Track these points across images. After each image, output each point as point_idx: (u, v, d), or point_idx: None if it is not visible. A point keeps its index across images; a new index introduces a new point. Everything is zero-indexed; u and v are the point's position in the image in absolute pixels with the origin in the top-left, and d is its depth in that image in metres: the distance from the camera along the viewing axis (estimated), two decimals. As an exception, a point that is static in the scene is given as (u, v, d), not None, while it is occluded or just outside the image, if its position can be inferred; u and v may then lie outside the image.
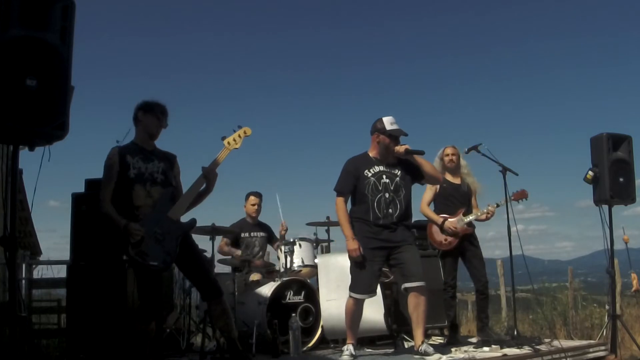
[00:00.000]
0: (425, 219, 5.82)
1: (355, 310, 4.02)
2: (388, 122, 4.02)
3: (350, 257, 3.98)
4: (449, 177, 4.80)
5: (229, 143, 3.64)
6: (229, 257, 5.28)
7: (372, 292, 3.99)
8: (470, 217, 4.71)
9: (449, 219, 4.68)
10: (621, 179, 5.04)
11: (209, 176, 3.59)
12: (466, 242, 4.72)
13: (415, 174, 4.11)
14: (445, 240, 4.71)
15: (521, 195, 4.74)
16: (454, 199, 4.76)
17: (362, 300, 4.00)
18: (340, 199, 4.05)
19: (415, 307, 4.01)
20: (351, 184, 4.04)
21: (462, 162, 4.86)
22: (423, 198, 4.79)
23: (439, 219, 4.69)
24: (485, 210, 4.73)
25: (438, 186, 4.72)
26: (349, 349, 4.01)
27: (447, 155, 4.80)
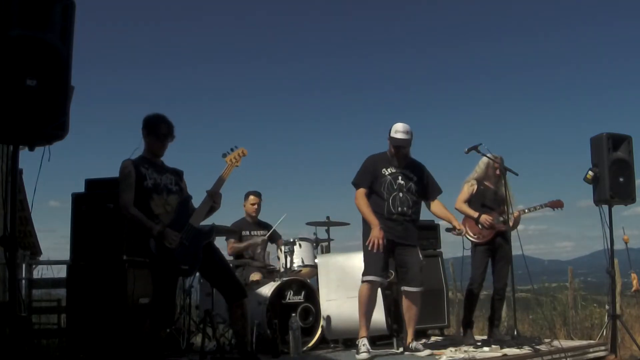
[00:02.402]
0: (429, 219, 5.79)
1: (369, 296, 4.02)
2: (394, 130, 4.21)
3: (368, 245, 4.03)
4: (487, 182, 4.86)
5: (231, 161, 3.71)
6: (241, 247, 5.31)
7: (384, 277, 4.09)
8: (505, 217, 4.71)
9: (484, 214, 4.72)
10: (621, 179, 5.04)
11: (215, 197, 3.64)
12: (500, 239, 4.73)
13: (426, 193, 4.31)
14: (480, 233, 4.73)
15: (557, 204, 4.83)
16: (491, 202, 4.80)
17: (377, 285, 4.04)
18: (361, 190, 4.18)
19: (409, 308, 4.20)
20: (369, 180, 4.19)
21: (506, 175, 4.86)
22: (460, 196, 4.87)
23: (475, 212, 4.75)
24: (511, 215, 4.70)
25: (476, 187, 4.84)
26: (365, 344, 3.97)
27: (498, 167, 4.77)
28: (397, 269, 4.25)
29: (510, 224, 4.69)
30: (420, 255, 4.22)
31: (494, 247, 4.74)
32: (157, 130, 3.60)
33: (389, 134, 4.23)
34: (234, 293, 3.59)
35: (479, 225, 4.73)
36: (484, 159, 4.81)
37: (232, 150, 3.75)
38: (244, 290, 3.67)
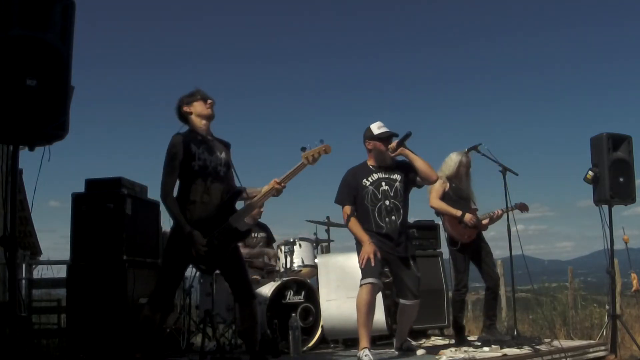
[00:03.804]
0: (429, 219, 5.75)
1: (369, 302, 3.77)
2: (375, 127, 4.04)
3: (359, 261, 3.90)
4: (456, 181, 4.78)
5: (307, 159, 3.43)
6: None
7: (380, 280, 3.88)
8: (481, 217, 4.70)
9: (468, 213, 4.63)
10: (621, 179, 5.05)
11: (280, 192, 3.52)
12: (478, 240, 4.71)
13: (413, 178, 4.07)
14: (465, 232, 4.64)
15: (522, 207, 4.82)
16: (463, 200, 4.75)
17: (376, 288, 3.83)
18: (347, 208, 4.00)
19: (402, 317, 4.14)
20: (351, 195, 4.02)
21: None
22: (434, 193, 4.72)
23: (457, 211, 4.62)
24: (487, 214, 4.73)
25: (447, 184, 4.73)
26: (367, 354, 3.68)
27: (469, 165, 4.79)
28: (393, 281, 4.14)
29: (486, 222, 4.69)
30: (415, 267, 4.01)
31: (476, 248, 4.70)
32: (194, 94, 3.50)
33: (370, 137, 4.05)
34: (242, 294, 3.55)
35: (462, 225, 4.63)
36: (453, 157, 4.76)
37: (315, 145, 3.44)
38: (253, 292, 3.61)
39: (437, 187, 4.71)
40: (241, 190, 3.60)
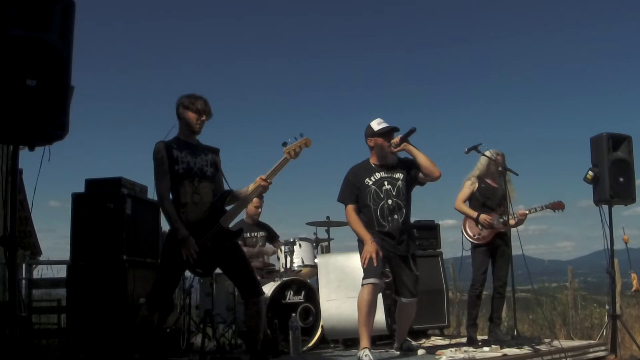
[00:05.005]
0: (429, 219, 5.76)
1: (370, 301, 3.76)
2: (375, 124, 4.05)
3: (362, 260, 3.89)
4: (489, 180, 4.79)
5: (289, 154, 3.47)
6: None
7: (382, 280, 3.88)
8: (505, 218, 4.68)
9: (484, 214, 4.66)
10: (621, 179, 5.04)
11: (267, 188, 3.55)
12: (500, 241, 4.69)
13: (415, 174, 4.05)
14: (479, 234, 4.68)
15: (558, 206, 4.79)
16: (491, 201, 4.74)
17: (378, 288, 3.82)
18: (350, 207, 4.01)
19: (401, 316, 4.15)
20: (353, 194, 4.03)
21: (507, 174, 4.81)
22: (460, 195, 4.78)
23: (474, 212, 4.68)
24: (516, 213, 4.70)
25: (477, 185, 4.75)
26: (367, 354, 3.67)
27: (501, 164, 4.74)
28: (392, 279, 4.13)
29: (513, 222, 4.66)
30: (414, 266, 4.02)
31: (494, 248, 4.70)
32: (194, 104, 3.51)
33: (371, 134, 4.05)
34: (248, 291, 3.55)
35: (479, 226, 4.68)
36: (486, 154, 4.72)
37: (295, 138, 3.49)
38: (259, 288, 3.60)
39: (465, 189, 4.77)
40: (229, 192, 3.62)
